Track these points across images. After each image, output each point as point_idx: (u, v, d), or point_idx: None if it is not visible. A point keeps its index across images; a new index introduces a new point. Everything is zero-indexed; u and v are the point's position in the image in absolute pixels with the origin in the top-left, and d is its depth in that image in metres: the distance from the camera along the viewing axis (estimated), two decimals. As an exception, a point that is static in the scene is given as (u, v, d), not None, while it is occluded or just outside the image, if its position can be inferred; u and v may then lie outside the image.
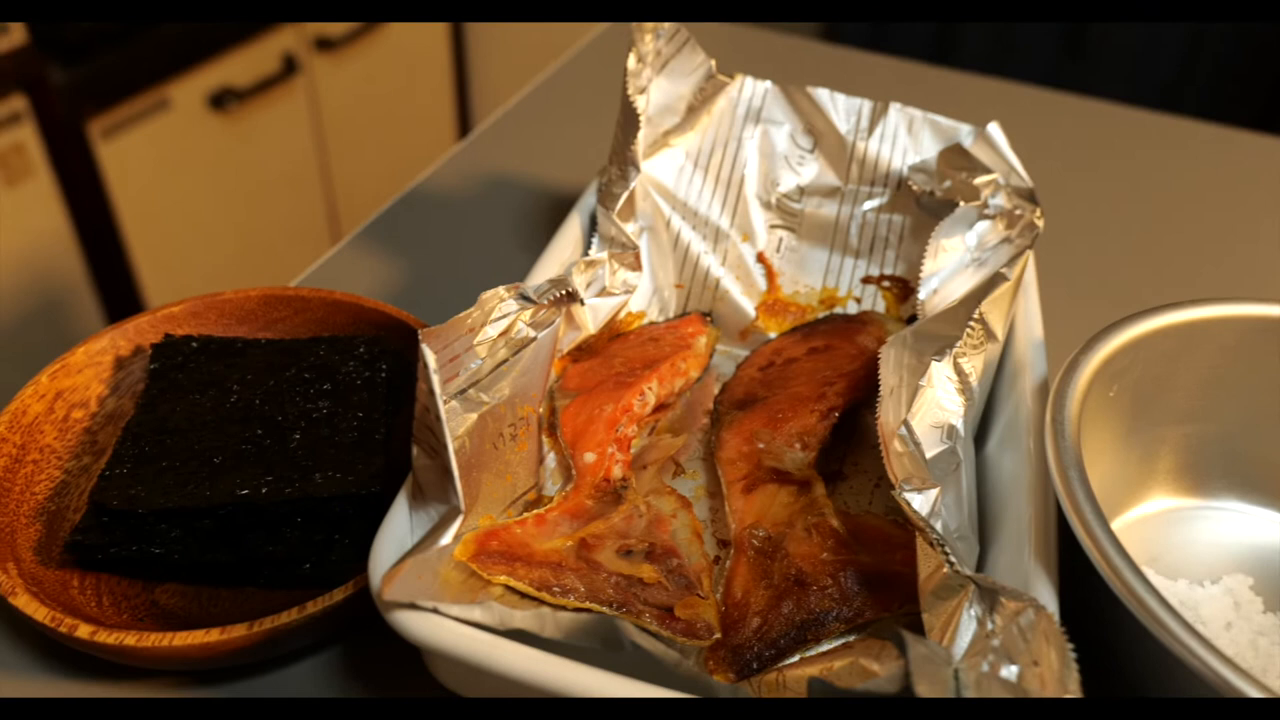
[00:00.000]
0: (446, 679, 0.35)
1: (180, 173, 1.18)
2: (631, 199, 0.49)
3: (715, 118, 0.53)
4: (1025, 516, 0.36)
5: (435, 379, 0.33)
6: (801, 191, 0.53)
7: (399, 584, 0.31)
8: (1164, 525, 0.44)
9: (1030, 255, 0.45)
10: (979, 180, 0.47)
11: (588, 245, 0.49)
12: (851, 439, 0.46)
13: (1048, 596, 0.32)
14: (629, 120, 0.48)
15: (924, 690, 0.27)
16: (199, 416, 0.43)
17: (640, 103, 0.48)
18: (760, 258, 0.53)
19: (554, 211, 0.65)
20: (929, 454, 0.37)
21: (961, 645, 0.31)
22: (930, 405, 0.38)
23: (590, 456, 0.42)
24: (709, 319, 0.52)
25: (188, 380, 0.44)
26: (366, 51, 1.38)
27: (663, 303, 0.52)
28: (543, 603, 0.36)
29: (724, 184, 0.53)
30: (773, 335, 0.52)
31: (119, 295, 1.17)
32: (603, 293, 0.45)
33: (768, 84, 0.53)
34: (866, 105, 0.52)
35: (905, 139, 0.51)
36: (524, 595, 0.36)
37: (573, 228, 0.49)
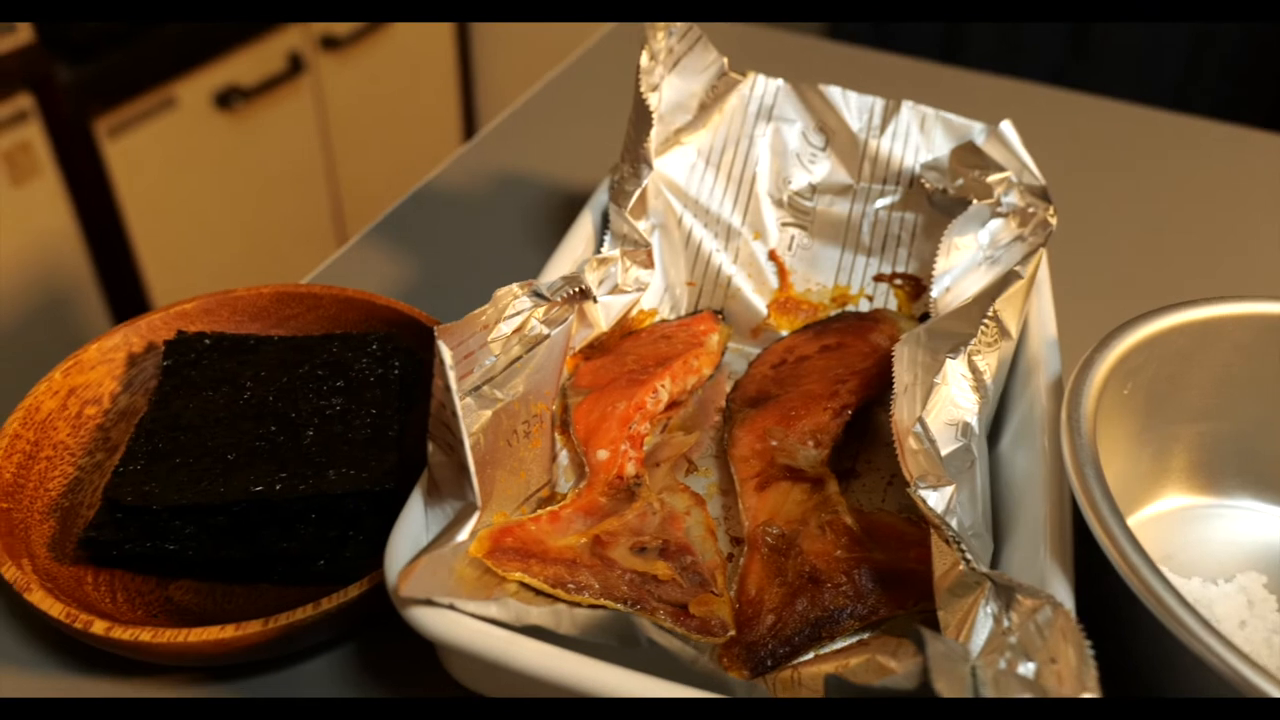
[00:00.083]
0: (461, 675, 0.35)
1: (186, 171, 1.19)
2: (644, 196, 0.49)
3: (727, 115, 0.53)
4: (1040, 514, 0.36)
5: (452, 375, 0.33)
6: (813, 189, 0.53)
7: (415, 580, 0.31)
8: (1178, 523, 0.43)
9: (1044, 253, 0.45)
10: (992, 178, 0.47)
11: (600, 243, 0.49)
12: (864, 436, 0.46)
13: (1064, 594, 0.32)
14: (641, 118, 0.48)
15: (942, 687, 0.26)
16: (212, 413, 0.43)
17: (652, 100, 0.48)
18: (772, 255, 0.53)
19: (563, 210, 0.65)
20: (944, 451, 0.37)
21: (978, 642, 0.31)
22: (945, 402, 0.38)
23: (603, 454, 0.42)
24: (721, 316, 0.52)
25: (201, 377, 0.44)
26: (372, 51, 1.38)
27: (674, 300, 0.52)
28: (558, 599, 0.36)
29: (736, 182, 0.53)
30: (784, 333, 0.52)
31: (125, 294, 1.17)
32: (615, 290, 0.45)
33: (780, 82, 0.53)
34: (879, 103, 0.52)
35: (917, 137, 0.51)
36: (539, 592, 0.36)
37: (585, 225, 0.49)
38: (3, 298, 1.04)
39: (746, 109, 0.53)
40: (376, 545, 0.35)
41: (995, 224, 0.46)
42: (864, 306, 0.52)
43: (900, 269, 0.52)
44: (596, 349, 0.47)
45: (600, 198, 0.51)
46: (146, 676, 0.38)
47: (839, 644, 0.37)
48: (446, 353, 0.33)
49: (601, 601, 0.36)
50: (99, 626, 0.34)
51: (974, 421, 0.38)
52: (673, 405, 0.47)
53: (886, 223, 0.52)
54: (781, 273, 0.53)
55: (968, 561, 0.33)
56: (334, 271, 0.59)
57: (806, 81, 0.53)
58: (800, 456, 0.43)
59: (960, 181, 0.48)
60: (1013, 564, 0.36)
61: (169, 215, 1.19)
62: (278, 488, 0.39)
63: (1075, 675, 0.28)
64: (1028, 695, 0.27)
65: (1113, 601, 0.32)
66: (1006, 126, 0.50)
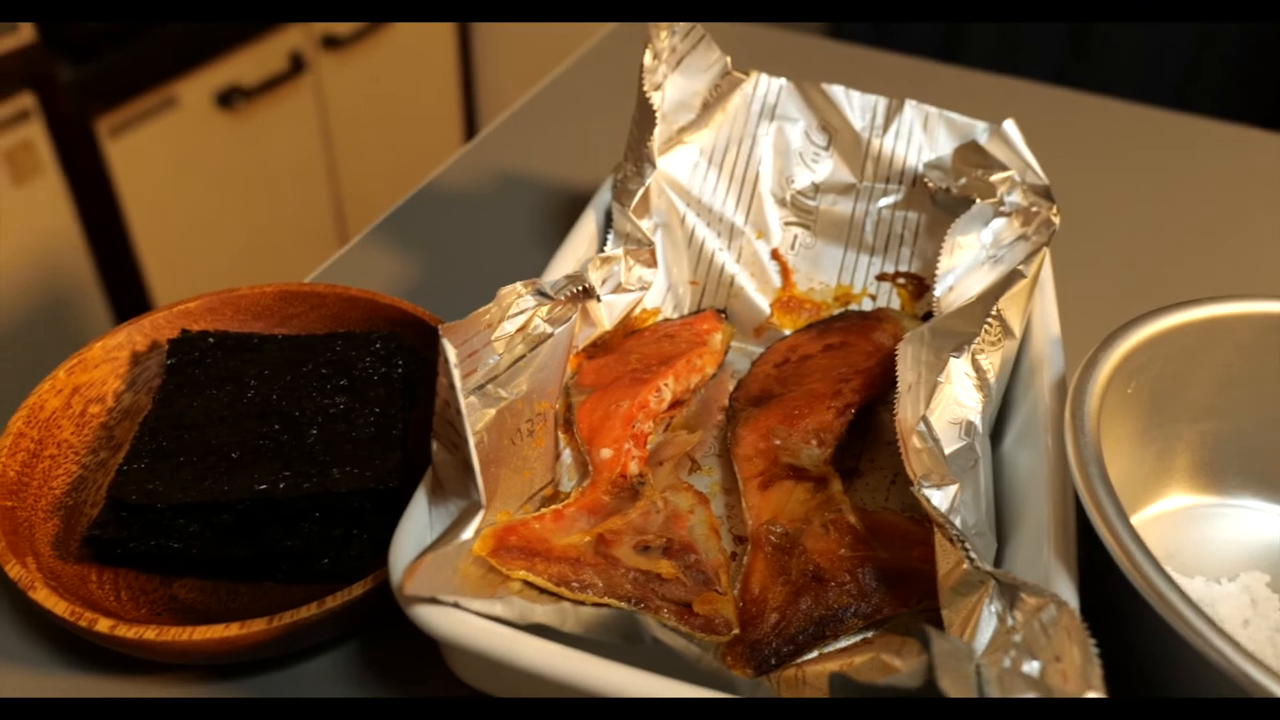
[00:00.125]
0: (465, 674, 0.35)
1: (187, 171, 1.19)
2: (647, 196, 0.49)
3: (730, 115, 0.53)
4: (1044, 513, 0.36)
5: (456, 374, 0.33)
6: (816, 188, 0.53)
7: (420, 578, 0.31)
8: (1181, 522, 0.43)
9: (1047, 252, 0.45)
10: (995, 177, 0.47)
11: (603, 242, 0.49)
12: (867, 435, 0.46)
13: (1068, 592, 0.32)
14: (644, 117, 0.48)
15: (948, 685, 0.27)
16: (216, 412, 0.43)
17: (655, 99, 0.48)
18: (775, 254, 0.53)
19: (565, 209, 0.65)
20: (947, 450, 0.37)
21: (982, 641, 0.31)
22: (949, 401, 0.38)
23: (607, 453, 0.42)
24: (724, 316, 0.52)
25: (204, 375, 0.44)
26: (373, 51, 1.38)
27: (677, 299, 0.52)
28: (562, 598, 0.36)
29: (739, 181, 0.53)
30: (787, 332, 0.52)
31: (127, 293, 1.17)
32: (618, 289, 0.45)
33: (782, 81, 0.53)
34: (881, 102, 0.52)
35: (920, 136, 0.51)
36: (543, 591, 0.36)
37: (588, 224, 0.49)
38: (5, 297, 1.04)
39: (749, 108, 0.53)
40: (380, 544, 0.35)
41: (998, 223, 0.46)
42: (867, 305, 0.52)
43: (903, 268, 0.52)
44: (600, 348, 0.47)
45: (603, 197, 0.51)
46: (150, 675, 0.38)
47: (843, 642, 0.37)
48: (451, 351, 0.33)
49: (605, 600, 0.36)
50: (103, 625, 0.34)
51: (977, 420, 0.38)
52: (676, 404, 0.47)
53: (889, 222, 0.52)
54: (784, 272, 0.53)
55: (971, 560, 0.33)
56: (337, 270, 0.59)
57: (809, 80, 0.53)
58: (804, 455, 0.43)
59: (963, 180, 0.48)
60: (1016, 563, 0.36)
61: (170, 214, 1.19)
62: (282, 486, 0.39)
63: (1080, 674, 0.28)
64: (1032, 694, 0.27)
65: (1116, 600, 0.32)
66: (1009, 126, 0.50)
